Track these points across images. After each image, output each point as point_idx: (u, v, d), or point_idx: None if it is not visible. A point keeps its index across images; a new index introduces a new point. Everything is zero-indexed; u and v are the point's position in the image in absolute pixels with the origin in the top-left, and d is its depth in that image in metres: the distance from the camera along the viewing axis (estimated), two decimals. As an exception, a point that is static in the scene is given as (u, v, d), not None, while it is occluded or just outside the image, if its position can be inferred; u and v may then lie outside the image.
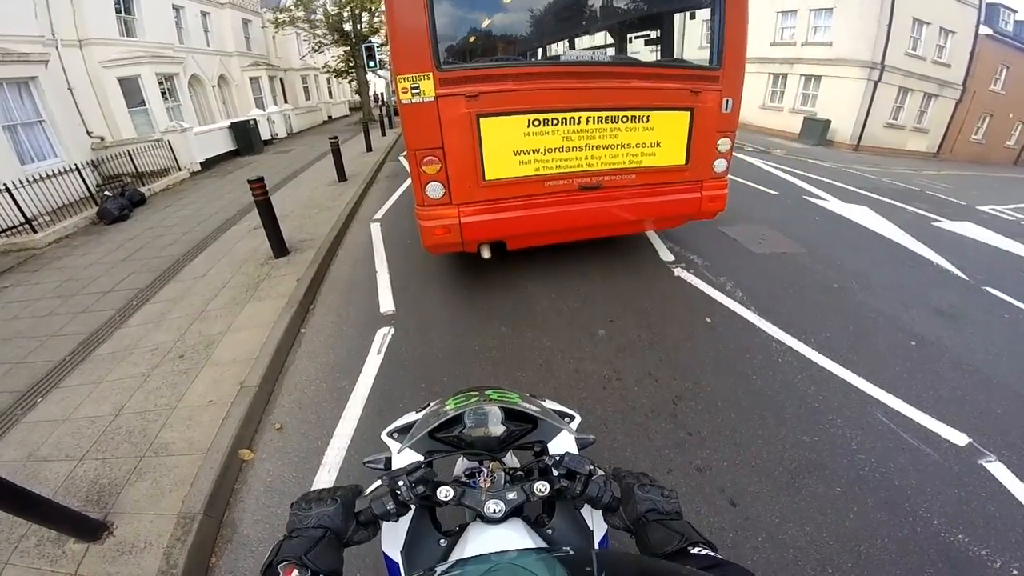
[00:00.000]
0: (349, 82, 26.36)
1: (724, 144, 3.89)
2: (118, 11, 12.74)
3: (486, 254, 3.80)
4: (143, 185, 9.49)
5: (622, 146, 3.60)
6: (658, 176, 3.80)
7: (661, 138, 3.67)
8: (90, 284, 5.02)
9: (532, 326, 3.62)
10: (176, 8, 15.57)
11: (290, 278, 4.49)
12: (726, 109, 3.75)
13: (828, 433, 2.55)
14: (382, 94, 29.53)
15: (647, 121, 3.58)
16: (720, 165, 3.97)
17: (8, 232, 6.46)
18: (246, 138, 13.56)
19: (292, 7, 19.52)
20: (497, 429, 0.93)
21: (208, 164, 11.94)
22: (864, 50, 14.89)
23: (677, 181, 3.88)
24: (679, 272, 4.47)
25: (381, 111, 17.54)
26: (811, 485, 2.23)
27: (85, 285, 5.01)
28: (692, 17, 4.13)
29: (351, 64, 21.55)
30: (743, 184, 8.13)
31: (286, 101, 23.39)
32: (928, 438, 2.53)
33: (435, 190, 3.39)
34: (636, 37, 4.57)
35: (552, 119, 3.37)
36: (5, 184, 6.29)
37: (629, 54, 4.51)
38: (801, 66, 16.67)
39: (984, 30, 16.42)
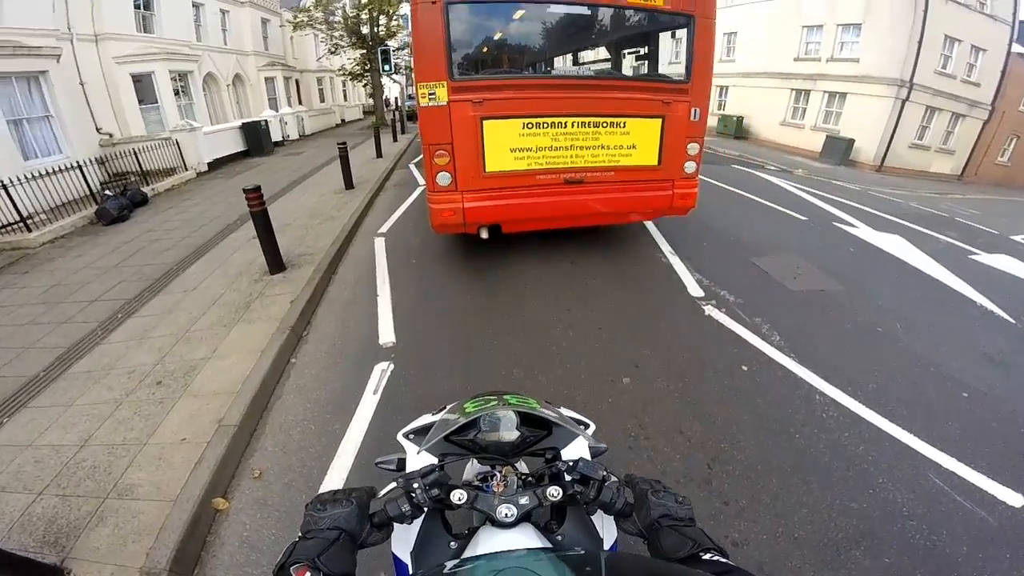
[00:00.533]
0: (364, 86, 26.33)
1: (693, 148, 4.45)
2: (136, 7, 12.70)
3: (484, 235, 4.40)
4: (148, 184, 9.31)
5: (602, 147, 4.20)
6: (633, 174, 4.37)
7: (636, 141, 4.25)
8: (78, 291, 4.77)
9: (548, 370, 3.28)
10: (196, 6, 15.55)
11: (284, 298, 4.18)
12: (694, 118, 4.33)
13: (878, 498, 2.30)
14: (396, 99, 29.33)
15: (624, 127, 4.18)
16: (690, 167, 4.52)
17: (2, 230, 6.25)
18: (256, 139, 13.41)
19: (311, 7, 19.53)
20: (511, 434, 0.93)
21: (216, 164, 11.78)
22: (893, 67, 14.43)
23: (650, 179, 4.45)
24: (710, 311, 4.09)
25: (394, 116, 17.38)
26: (857, 557, 2.02)
27: (72, 291, 4.75)
28: (673, 36, 4.61)
29: (366, 67, 21.50)
30: (770, 207, 7.75)
31: (300, 103, 23.42)
32: (983, 500, 2.33)
33: (444, 178, 4.02)
34: (618, 55, 5.25)
35: (543, 123, 4.00)
36: (1, 181, 6.09)
37: (612, 69, 5.16)
38: (825, 82, 16.23)
39: (1017, 48, 15.87)
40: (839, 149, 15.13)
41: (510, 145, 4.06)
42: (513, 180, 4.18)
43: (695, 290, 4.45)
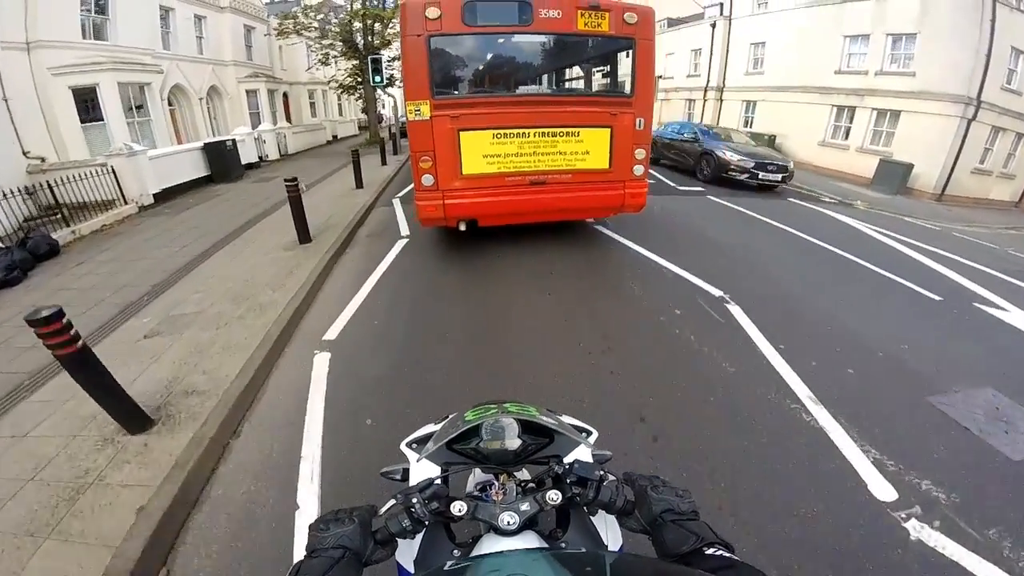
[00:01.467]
0: (357, 99, 24.58)
1: (640, 153, 5.24)
2: (87, 10, 10.92)
3: (462, 227, 5.33)
4: (67, 226, 7.39)
5: (560, 153, 5.02)
6: (588, 176, 5.16)
7: (589, 148, 5.06)
8: None
9: None
10: (165, 10, 13.81)
11: (135, 494, 2.25)
12: (639, 127, 5.14)
13: None
14: (388, 114, 26.88)
15: (578, 135, 5.00)
16: (638, 170, 5.29)
17: None
18: (221, 162, 11.51)
19: (299, 13, 17.80)
20: (513, 443, 0.90)
21: (170, 194, 9.87)
22: (956, 83, 12.54)
23: (603, 180, 5.23)
24: (916, 530, 2.20)
25: (388, 132, 15.57)
26: None
27: None
28: (628, 56, 5.01)
29: (359, 79, 19.76)
30: (874, 273, 5.76)
31: (289, 118, 21.68)
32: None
33: (428, 180, 4.88)
34: (572, 74, 6.12)
35: (509, 133, 4.87)
36: None
37: (567, 87, 6.05)
38: (874, 99, 14.32)
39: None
40: (895, 175, 13.15)
41: (482, 152, 4.84)
42: (486, 181, 4.94)
43: (881, 488, 2.42)
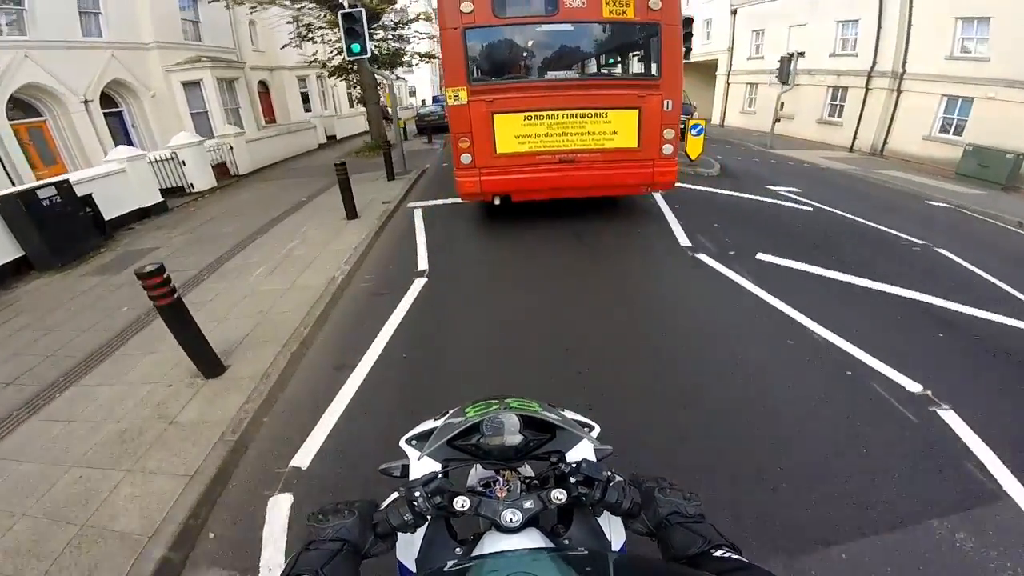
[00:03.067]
0: (354, 85, 18.80)
1: (669, 133, 5.50)
2: None
3: (497, 201, 5.86)
4: None
5: (589, 133, 5.39)
6: (617, 155, 5.52)
7: (617, 128, 5.40)
8: None
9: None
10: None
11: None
12: (667, 108, 5.38)
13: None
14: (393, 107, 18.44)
15: (606, 116, 5.35)
16: (668, 149, 5.56)
17: None
18: (45, 233, 6.10)
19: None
20: (514, 438, 0.89)
21: None
22: None
23: (632, 159, 5.56)
24: None
25: (402, 131, 10.39)
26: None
27: None
28: (655, 40, 5.36)
29: (352, 64, 14.02)
30: None
31: (272, 116, 16.27)
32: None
33: (466, 158, 5.44)
34: (599, 59, 6.45)
35: (540, 115, 5.30)
36: None
37: (595, 71, 6.34)
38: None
39: None
40: None
41: (515, 133, 5.37)
42: (518, 160, 5.45)
43: None
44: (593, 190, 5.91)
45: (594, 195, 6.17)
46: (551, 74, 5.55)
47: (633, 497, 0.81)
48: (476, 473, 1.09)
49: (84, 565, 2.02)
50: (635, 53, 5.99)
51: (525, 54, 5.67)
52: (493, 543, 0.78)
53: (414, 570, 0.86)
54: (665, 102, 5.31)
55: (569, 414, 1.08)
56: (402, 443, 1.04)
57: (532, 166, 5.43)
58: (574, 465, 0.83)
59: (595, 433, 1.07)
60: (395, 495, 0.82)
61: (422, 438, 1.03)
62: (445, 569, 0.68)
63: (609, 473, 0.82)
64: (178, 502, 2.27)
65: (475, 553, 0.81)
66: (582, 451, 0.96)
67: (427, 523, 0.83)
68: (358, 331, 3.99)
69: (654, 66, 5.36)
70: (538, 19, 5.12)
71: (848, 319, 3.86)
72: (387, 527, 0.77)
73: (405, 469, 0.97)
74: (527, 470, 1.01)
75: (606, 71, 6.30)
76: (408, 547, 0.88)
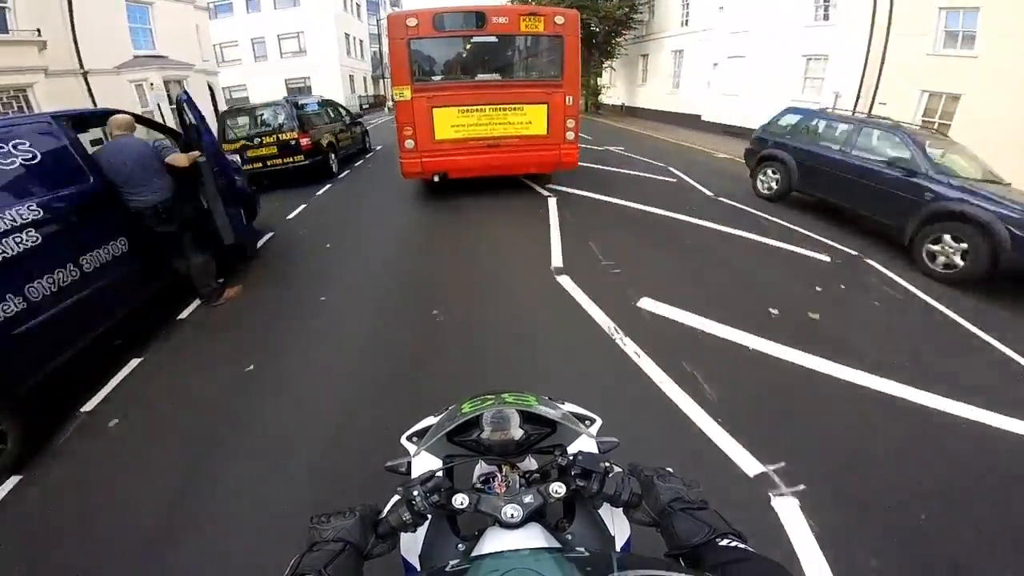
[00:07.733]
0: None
1: (570, 123, 6.80)
2: None
3: (436, 179, 6.84)
4: None
5: (509, 123, 6.63)
6: (531, 140, 6.78)
7: (530, 119, 6.66)
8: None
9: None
10: None
11: None
12: (569, 103, 6.70)
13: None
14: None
15: (522, 110, 6.61)
16: (570, 136, 6.87)
17: None
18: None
19: None
20: (515, 432, 0.90)
21: None
22: None
23: (543, 144, 6.83)
24: None
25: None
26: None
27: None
28: (558, 49, 6.68)
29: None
30: None
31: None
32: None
33: (409, 144, 6.49)
34: (516, 64, 7.35)
35: (470, 109, 6.48)
36: None
37: (513, 73, 7.21)
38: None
39: None
40: None
41: (451, 123, 6.50)
42: (453, 145, 6.61)
43: None
44: (514, 168, 7.20)
45: (515, 173, 7.48)
46: (480, 76, 6.78)
47: (632, 487, 0.80)
48: (480, 469, 1.09)
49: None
50: (544, 59, 7.07)
51: (459, 60, 6.98)
52: (494, 539, 0.79)
53: (418, 567, 0.87)
54: (567, 98, 6.66)
55: (570, 407, 1.10)
56: (403, 440, 1.06)
57: (465, 150, 6.64)
58: (571, 458, 0.84)
59: (596, 426, 1.07)
60: (396, 497, 0.82)
61: (422, 435, 1.04)
62: (446, 569, 0.68)
63: (607, 464, 0.82)
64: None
65: (476, 548, 0.82)
66: (585, 444, 0.96)
67: (428, 521, 0.84)
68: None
69: (557, 69, 6.64)
70: (470, 32, 6.39)
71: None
72: (387, 527, 0.78)
73: (411, 466, 0.97)
74: (531, 464, 1.02)
75: (522, 74, 7.36)
76: (411, 544, 0.88)
